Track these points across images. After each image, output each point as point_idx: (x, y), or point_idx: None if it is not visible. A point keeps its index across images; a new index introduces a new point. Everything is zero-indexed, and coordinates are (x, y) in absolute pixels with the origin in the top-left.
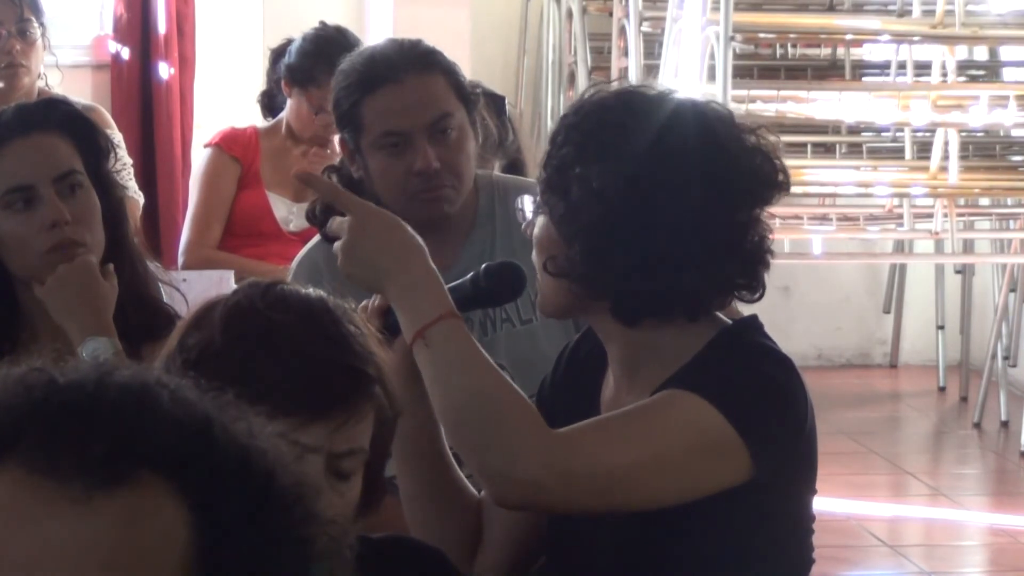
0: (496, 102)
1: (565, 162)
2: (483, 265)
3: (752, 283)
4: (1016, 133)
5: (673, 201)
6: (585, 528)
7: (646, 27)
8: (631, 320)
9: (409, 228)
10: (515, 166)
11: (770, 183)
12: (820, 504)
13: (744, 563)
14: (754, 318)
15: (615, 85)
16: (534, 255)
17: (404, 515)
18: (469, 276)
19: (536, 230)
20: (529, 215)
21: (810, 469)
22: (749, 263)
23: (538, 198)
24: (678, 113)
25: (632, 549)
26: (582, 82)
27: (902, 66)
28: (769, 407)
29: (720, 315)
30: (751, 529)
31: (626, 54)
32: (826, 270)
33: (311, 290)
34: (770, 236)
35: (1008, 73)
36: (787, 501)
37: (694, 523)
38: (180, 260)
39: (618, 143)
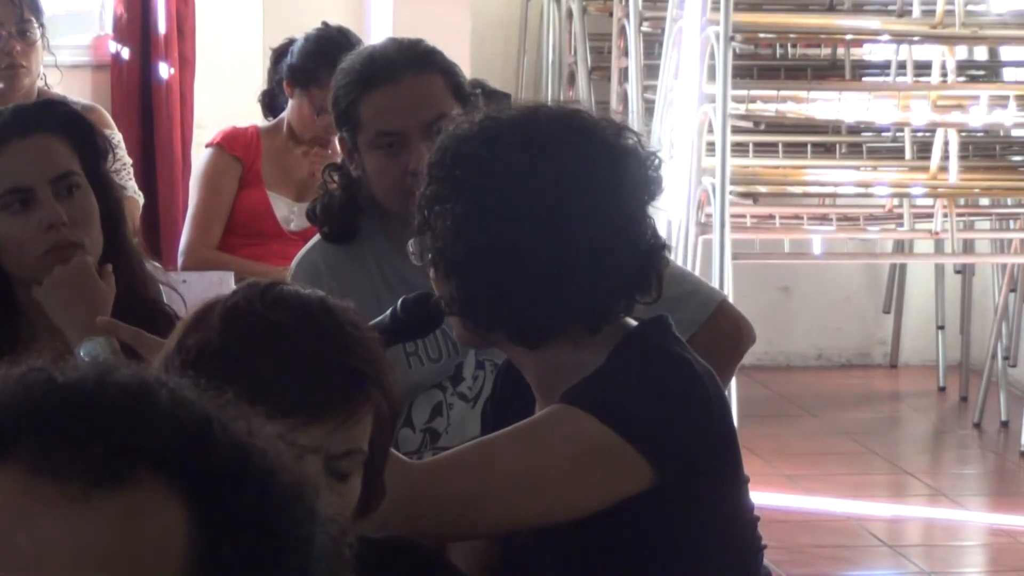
0: (501, 101)
1: (428, 201)
2: (400, 298)
3: (644, 286)
4: (1016, 133)
5: (532, 224)
6: (527, 543)
7: (646, 27)
8: (530, 343)
9: None
10: None
11: (645, 182)
12: (820, 504)
13: (681, 562)
14: (660, 319)
15: (477, 116)
16: None
17: None
18: (389, 311)
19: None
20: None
21: (730, 462)
22: (637, 267)
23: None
24: (533, 134)
25: (570, 560)
26: (582, 82)
27: (902, 66)
28: (661, 411)
29: (627, 320)
30: (682, 529)
31: (626, 54)
32: (826, 270)
33: (310, 290)
34: (660, 235)
35: (1008, 73)
36: (712, 497)
37: (623, 530)
38: (180, 260)
39: (471, 176)
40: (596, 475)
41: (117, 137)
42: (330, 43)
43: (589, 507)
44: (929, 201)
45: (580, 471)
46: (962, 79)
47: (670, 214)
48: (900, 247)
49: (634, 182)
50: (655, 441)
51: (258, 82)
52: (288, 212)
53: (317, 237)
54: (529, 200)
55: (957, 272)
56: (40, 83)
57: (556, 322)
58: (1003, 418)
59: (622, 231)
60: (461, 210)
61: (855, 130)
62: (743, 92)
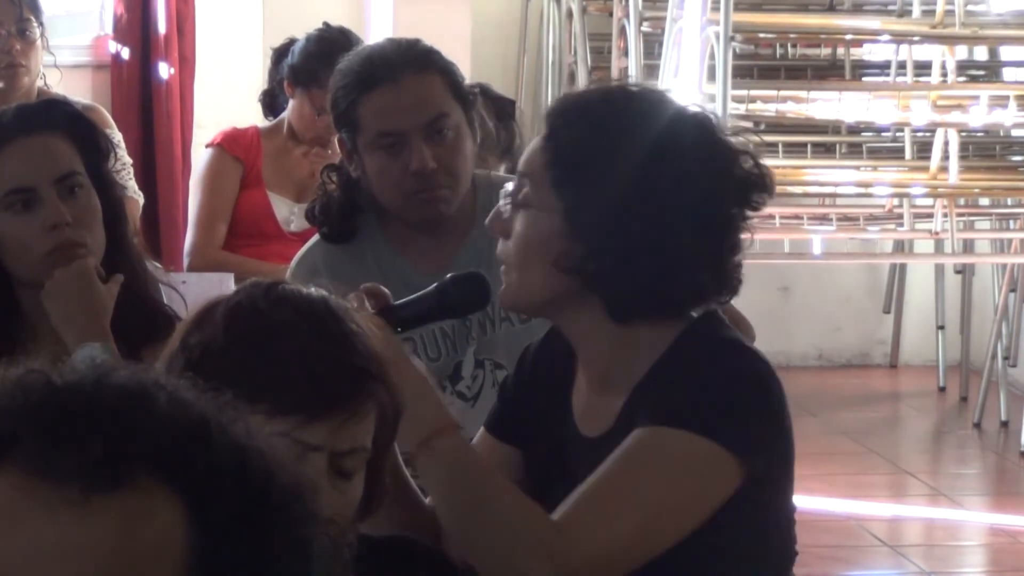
0: (506, 107)
1: (581, 158)
2: (448, 276)
3: (736, 281)
4: (1016, 133)
5: (682, 198)
6: None
7: (646, 27)
8: (624, 317)
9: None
10: None
11: (760, 185)
12: (820, 504)
13: (734, 557)
14: (714, 313)
15: (610, 82)
16: (520, 248)
17: None
18: (434, 287)
19: (529, 226)
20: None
21: (790, 457)
22: (737, 262)
23: (521, 192)
24: (675, 112)
25: None
26: (582, 82)
27: (902, 66)
28: (747, 407)
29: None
30: (742, 524)
31: (626, 54)
32: (826, 270)
33: (313, 289)
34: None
35: (1008, 73)
36: (773, 492)
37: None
38: (186, 262)
39: (628, 139)
40: (704, 487)
41: (117, 137)
42: (331, 43)
43: (704, 515)
44: (929, 201)
45: (692, 490)
46: (962, 79)
47: None
48: (900, 247)
49: (751, 178)
50: (747, 440)
51: (258, 82)
52: (288, 213)
53: (316, 237)
54: (678, 174)
55: (957, 272)
56: (40, 83)
57: (668, 299)
58: (1003, 418)
59: (737, 224)
60: (625, 170)
61: (855, 130)
62: (743, 92)
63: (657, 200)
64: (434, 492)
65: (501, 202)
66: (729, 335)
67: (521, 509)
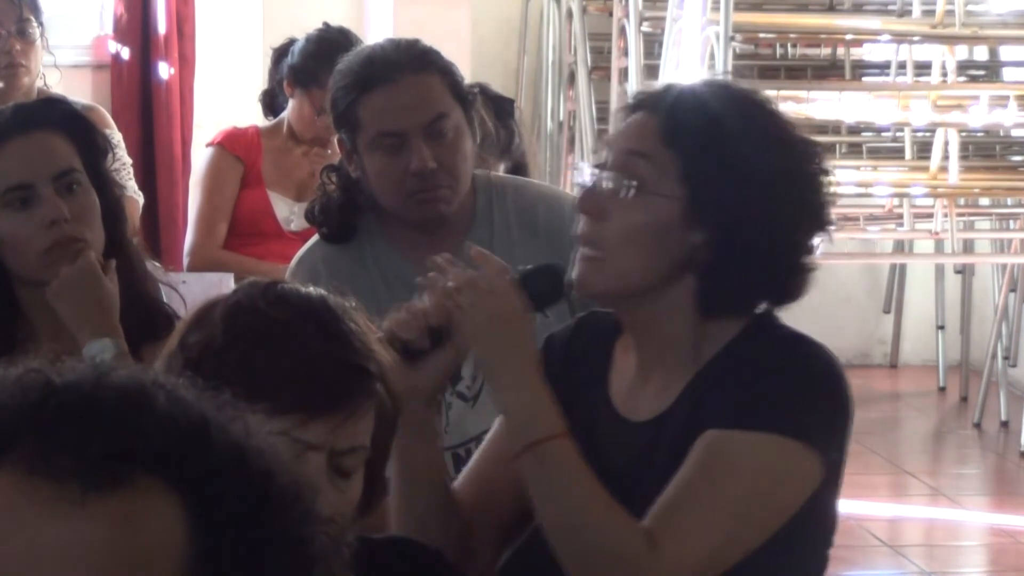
0: (505, 106)
1: (716, 150)
2: (521, 269)
3: (805, 288)
4: (1016, 133)
5: (802, 200)
6: None
7: (646, 27)
8: (717, 309)
9: (529, 323)
10: (519, 170)
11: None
12: None
13: (783, 559)
14: (769, 309)
15: (729, 80)
16: (631, 233)
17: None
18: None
19: (646, 211)
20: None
21: (845, 453)
22: (813, 267)
23: (634, 172)
24: (784, 115)
25: None
26: (582, 82)
27: (902, 66)
28: (822, 402)
29: None
30: (798, 521)
31: (626, 54)
32: (826, 270)
33: (311, 288)
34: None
35: (1008, 73)
36: (831, 489)
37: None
38: (186, 261)
39: (755, 132)
40: (789, 484)
41: (117, 137)
42: (331, 44)
43: (792, 512)
44: (929, 201)
45: (778, 490)
46: (962, 79)
47: None
48: (900, 247)
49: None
50: (821, 432)
51: (258, 82)
52: (288, 212)
53: (316, 237)
54: (799, 171)
55: (957, 272)
56: (40, 83)
57: (763, 297)
58: (1003, 418)
59: (822, 230)
60: (765, 163)
61: (855, 130)
62: None
63: (783, 199)
64: (535, 496)
65: (589, 180)
66: (794, 330)
67: (618, 524)
